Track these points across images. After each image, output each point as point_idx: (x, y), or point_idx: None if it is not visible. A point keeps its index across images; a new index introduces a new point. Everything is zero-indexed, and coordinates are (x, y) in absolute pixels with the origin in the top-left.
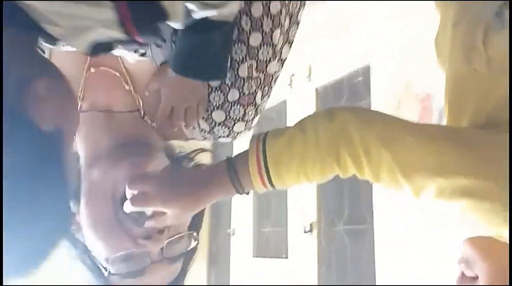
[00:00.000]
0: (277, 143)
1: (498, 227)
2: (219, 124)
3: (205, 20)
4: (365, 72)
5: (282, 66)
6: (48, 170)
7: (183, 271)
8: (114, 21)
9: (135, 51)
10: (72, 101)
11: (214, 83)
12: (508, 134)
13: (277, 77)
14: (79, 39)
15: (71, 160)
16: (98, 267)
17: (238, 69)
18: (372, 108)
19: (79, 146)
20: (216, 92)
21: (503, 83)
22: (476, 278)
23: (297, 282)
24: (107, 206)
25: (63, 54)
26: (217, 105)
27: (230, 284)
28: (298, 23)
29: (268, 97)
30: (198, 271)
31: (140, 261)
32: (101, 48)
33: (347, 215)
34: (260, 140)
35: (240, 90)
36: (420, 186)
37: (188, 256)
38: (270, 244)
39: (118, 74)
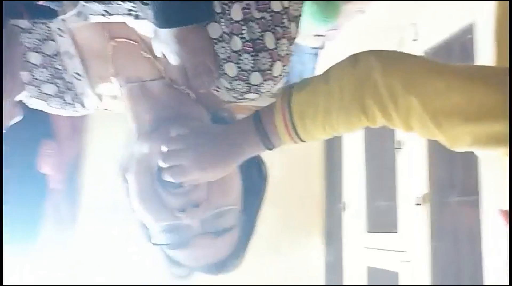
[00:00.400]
0: (301, 95)
1: None
2: (235, 78)
3: None
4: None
5: (301, 1)
6: None
7: (241, 246)
8: None
9: (133, 15)
10: None
11: (212, 32)
12: None
13: (296, 15)
14: None
15: None
16: (149, 234)
17: (229, 12)
18: None
19: (129, 119)
20: (220, 43)
21: None
22: None
23: (409, 257)
24: (149, 179)
25: (85, 30)
26: (225, 57)
27: (344, 259)
28: None
29: (291, 39)
30: (314, 247)
31: (182, 234)
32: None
33: (460, 186)
34: (286, 93)
35: (241, 37)
36: (454, 134)
37: (244, 234)
38: (381, 218)
39: (136, 43)
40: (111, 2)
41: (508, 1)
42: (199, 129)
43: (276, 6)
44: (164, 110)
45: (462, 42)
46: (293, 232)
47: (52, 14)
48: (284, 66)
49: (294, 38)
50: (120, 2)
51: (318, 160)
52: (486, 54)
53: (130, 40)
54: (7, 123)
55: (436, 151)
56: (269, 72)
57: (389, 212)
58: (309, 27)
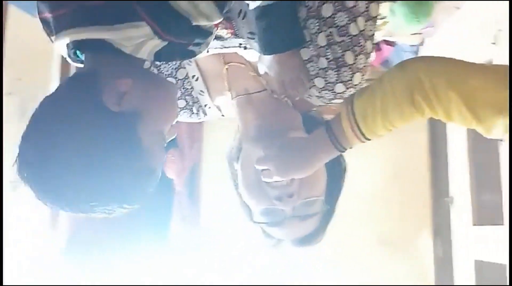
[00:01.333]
0: (361, 101)
1: None
2: (323, 89)
3: (259, 7)
4: None
5: (375, 22)
6: (121, 142)
7: (321, 229)
8: (152, 33)
9: (242, 47)
10: (155, 93)
11: (303, 55)
12: None
13: (371, 35)
14: (141, 52)
15: (152, 134)
16: (250, 213)
17: (316, 39)
18: None
19: (239, 124)
20: (310, 63)
21: None
22: None
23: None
24: (253, 173)
25: (206, 59)
26: (315, 73)
27: (453, 253)
28: None
29: (367, 54)
30: (423, 242)
31: (276, 216)
32: (163, 55)
33: None
34: (349, 102)
35: (326, 57)
36: (489, 123)
37: (325, 218)
38: (487, 211)
39: (244, 65)
40: (227, 39)
41: None
42: (286, 143)
43: (353, 30)
44: (266, 118)
45: None
46: (401, 228)
47: (194, 55)
48: (363, 75)
49: (370, 53)
50: (233, 39)
51: (423, 155)
52: None
53: (240, 63)
54: (166, 140)
55: None
56: (350, 82)
57: (494, 204)
58: (403, 28)
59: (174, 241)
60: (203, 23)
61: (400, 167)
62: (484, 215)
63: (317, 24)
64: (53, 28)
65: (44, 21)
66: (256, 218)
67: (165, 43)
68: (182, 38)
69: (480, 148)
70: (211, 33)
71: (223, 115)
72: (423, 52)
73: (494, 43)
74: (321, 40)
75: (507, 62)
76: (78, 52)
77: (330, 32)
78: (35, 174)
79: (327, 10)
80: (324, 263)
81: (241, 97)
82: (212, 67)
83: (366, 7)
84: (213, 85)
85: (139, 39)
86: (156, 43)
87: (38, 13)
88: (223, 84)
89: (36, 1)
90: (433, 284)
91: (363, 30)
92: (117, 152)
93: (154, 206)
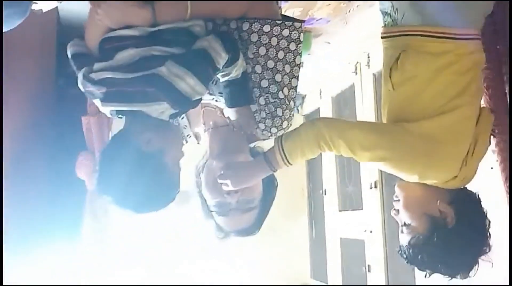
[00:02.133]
0: (287, 142)
1: (407, 176)
2: (264, 129)
3: (226, 80)
4: None
5: (296, 90)
6: (151, 173)
7: (259, 220)
8: (170, 107)
9: (213, 100)
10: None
11: (252, 108)
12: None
13: (293, 97)
14: (162, 116)
15: (172, 166)
16: (207, 207)
17: (258, 100)
18: None
19: (208, 147)
20: (255, 113)
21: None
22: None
23: (369, 226)
24: (212, 177)
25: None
26: (258, 120)
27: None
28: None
29: (291, 109)
30: (302, 224)
31: (225, 207)
32: (174, 115)
33: None
34: (279, 140)
35: (265, 111)
36: (360, 157)
37: (260, 215)
38: (350, 199)
39: (214, 109)
40: (215, 95)
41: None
42: (238, 165)
43: (281, 95)
44: (227, 143)
45: None
46: (283, 216)
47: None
48: (288, 122)
49: (293, 108)
50: (208, 95)
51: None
52: None
53: (212, 107)
54: (178, 161)
55: None
56: (280, 126)
57: (356, 194)
58: None
59: (85, 238)
60: (197, 97)
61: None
62: (347, 203)
63: (258, 91)
64: (98, 98)
65: (88, 93)
66: (211, 208)
67: (177, 110)
68: (187, 108)
69: None
70: (200, 101)
71: (198, 143)
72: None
73: (355, 73)
74: (261, 101)
75: (366, 87)
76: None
77: (267, 96)
78: (116, 192)
79: (264, 83)
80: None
81: (212, 129)
82: (194, 110)
83: (290, 81)
84: (193, 120)
85: (161, 110)
86: (172, 111)
87: (83, 87)
88: (199, 120)
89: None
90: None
91: (287, 95)
92: (153, 171)
93: (67, 205)
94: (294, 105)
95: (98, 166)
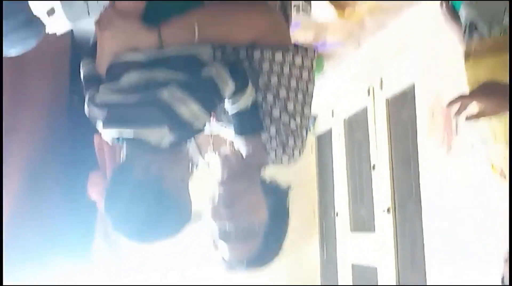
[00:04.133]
0: None
1: None
2: (275, 158)
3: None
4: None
5: (307, 119)
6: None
7: (264, 250)
8: (169, 132)
9: (222, 129)
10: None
11: (263, 137)
12: None
13: (305, 125)
14: (161, 143)
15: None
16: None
17: (270, 130)
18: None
19: (217, 173)
20: (267, 143)
21: None
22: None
23: (381, 249)
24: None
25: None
26: (269, 148)
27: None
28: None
29: (303, 138)
30: (313, 246)
31: (225, 233)
32: (175, 142)
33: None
34: None
35: (275, 140)
36: None
37: (266, 241)
38: (362, 221)
39: (223, 137)
40: (215, 125)
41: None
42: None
43: (293, 125)
44: (235, 172)
45: (411, 94)
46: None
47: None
48: (300, 152)
49: (305, 137)
50: (218, 124)
51: (312, 176)
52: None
53: (221, 135)
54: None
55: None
56: (292, 156)
57: (368, 216)
58: None
59: (96, 258)
60: (199, 126)
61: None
62: (359, 224)
63: (269, 120)
64: (100, 121)
65: (92, 117)
66: (214, 236)
67: (178, 137)
68: (187, 135)
69: (357, 173)
70: (203, 129)
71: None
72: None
73: (368, 95)
74: (272, 130)
75: (378, 110)
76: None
77: (278, 125)
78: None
79: (275, 112)
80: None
81: (221, 157)
82: (203, 138)
83: (302, 110)
84: (203, 148)
85: (161, 136)
86: (172, 138)
87: (88, 110)
88: (209, 148)
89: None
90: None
91: (300, 124)
92: (152, 198)
93: (78, 225)
94: (307, 133)
95: (104, 196)
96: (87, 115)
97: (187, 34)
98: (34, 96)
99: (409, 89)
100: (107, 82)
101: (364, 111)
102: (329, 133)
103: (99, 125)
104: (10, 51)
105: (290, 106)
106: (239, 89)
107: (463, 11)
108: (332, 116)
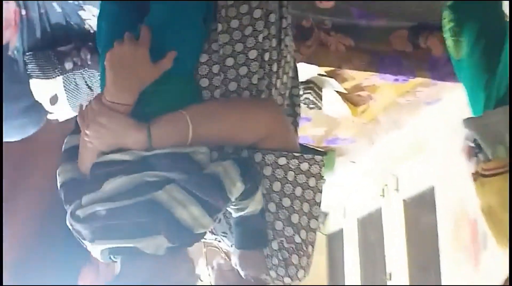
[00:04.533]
0: None
1: None
2: (275, 279)
3: (240, 218)
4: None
5: (315, 232)
6: None
7: None
8: (166, 241)
9: (217, 241)
10: None
11: (260, 253)
12: None
13: (312, 241)
14: (159, 251)
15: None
16: None
17: (271, 245)
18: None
19: None
20: (267, 259)
21: None
22: None
23: None
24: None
25: None
26: (269, 267)
27: None
28: None
29: (309, 256)
30: None
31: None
32: (172, 249)
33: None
34: None
35: (277, 258)
36: None
37: None
38: None
39: (217, 249)
40: (217, 236)
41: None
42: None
43: (297, 239)
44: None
45: (431, 197)
46: None
47: None
48: (305, 272)
49: (311, 257)
50: (210, 235)
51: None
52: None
53: (215, 247)
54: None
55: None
56: (295, 276)
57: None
58: None
59: None
60: (200, 231)
61: None
62: None
63: (271, 233)
64: (87, 239)
65: (76, 232)
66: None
67: (176, 245)
68: (187, 242)
69: (371, 282)
70: (204, 235)
71: (201, 280)
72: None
73: (382, 196)
74: (274, 245)
75: (394, 212)
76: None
77: (281, 240)
78: None
79: (278, 225)
80: None
81: (216, 271)
82: (195, 247)
83: (308, 223)
84: (195, 260)
85: (157, 245)
86: (169, 245)
87: (71, 226)
88: (203, 260)
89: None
90: None
91: (305, 239)
92: None
93: None
94: (313, 249)
95: None
96: (70, 228)
97: (180, 136)
98: (30, 186)
99: (428, 192)
100: (90, 191)
101: (379, 211)
102: (340, 232)
103: (86, 244)
104: (8, 137)
105: (295, 218)
106: (248, 193)
107: (466, 131)
108: (344, 214)
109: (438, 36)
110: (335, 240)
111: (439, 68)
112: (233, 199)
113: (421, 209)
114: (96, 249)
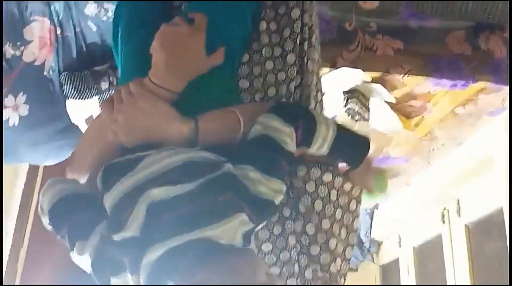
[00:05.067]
0: None
1: None
2: None
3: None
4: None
5: (348, 262)
6: None
7: None
8: (247, 220)
9: None
10: None
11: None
12: None
13: (345, 272)
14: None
15: None
16: None
17: (304, 274)
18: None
19: None
20: None
21: None
22: None
23: None
24: None
25: None
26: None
27: None
28: None
29: (348, 261)
30: None
31: None
32: (247, 233)
33: None
34: None
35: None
36: None
37: None
38: None
39: None
40: None
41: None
42: None
43: (333, 269)
44: None
45: (499, 220)
46: None
47: None
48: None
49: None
50: None
51: None
52: None
53: None
54: None
55: None
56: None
57: None
58: (365, 201)
59: None
60: (279, 198)
61: None
62: None
63: (306, 260)
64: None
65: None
66: None
67: (254, 226)
68: (269, 216)
69: None
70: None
71: None
72: (377, 215)
73: (442, 221)
74: (308, 274)
75: (455, 239)
76: None
77: (315, 268)
78: None
79: (314, 249)
80: None
81: None
82: None
83: (343, 251)
84: None
85: (234, 230)
86: (247, 227)
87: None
88: None
89: None
90: None
91: (340, 269)
92: None
93: None
94: (345, 280)
95: None
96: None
97: (228, 134)
98: None
99: (496, 214)
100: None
101: (438, 239)
102: (396, 263)
103: (129, 262)
104: (45, 161)
105: (332, 244)
106: (306, 131)
107: None
108: (399, 243)
109: (500, 36)
110: (390, 271)
111: (502, 72)
112: (292, 148)
113: (487, 235)
114: (146, 267)
